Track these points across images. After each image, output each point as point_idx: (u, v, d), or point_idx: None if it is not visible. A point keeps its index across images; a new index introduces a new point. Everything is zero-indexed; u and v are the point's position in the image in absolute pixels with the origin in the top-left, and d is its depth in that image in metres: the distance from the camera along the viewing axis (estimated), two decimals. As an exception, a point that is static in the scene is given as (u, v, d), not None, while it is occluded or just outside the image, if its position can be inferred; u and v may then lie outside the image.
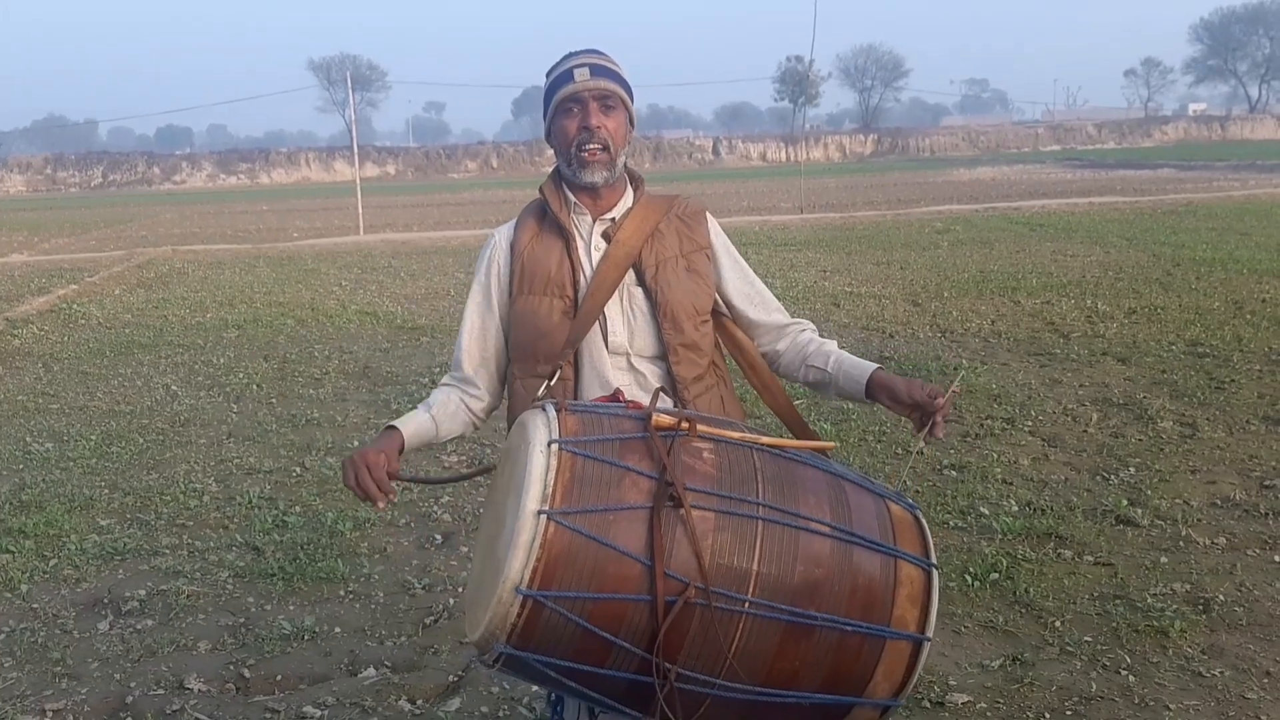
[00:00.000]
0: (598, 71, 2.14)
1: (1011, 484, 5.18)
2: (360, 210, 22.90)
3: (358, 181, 25.85)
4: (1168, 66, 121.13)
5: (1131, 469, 5.33)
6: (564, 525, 1.64)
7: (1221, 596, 3.88)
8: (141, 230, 26.05)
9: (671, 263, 2.19)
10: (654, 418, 1.77)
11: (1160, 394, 6.70)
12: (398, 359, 8.90)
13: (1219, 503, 4.85)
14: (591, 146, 2.13)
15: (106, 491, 5.57)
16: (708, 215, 2.30)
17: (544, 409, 1.80)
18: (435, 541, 4.74)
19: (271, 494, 5.44)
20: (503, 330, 2.25)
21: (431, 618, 3.98)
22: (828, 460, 1.91)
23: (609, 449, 1.73)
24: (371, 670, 3.61)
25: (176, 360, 9.16)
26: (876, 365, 2.19)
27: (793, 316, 2.34)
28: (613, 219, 2.21)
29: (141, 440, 6.57)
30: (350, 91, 34.34)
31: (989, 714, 3.22)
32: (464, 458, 5.84)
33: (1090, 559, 4.27)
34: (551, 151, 2.25)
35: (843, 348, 2.29)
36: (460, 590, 4.17)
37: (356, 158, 29.45)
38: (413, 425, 2.16)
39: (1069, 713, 3.20)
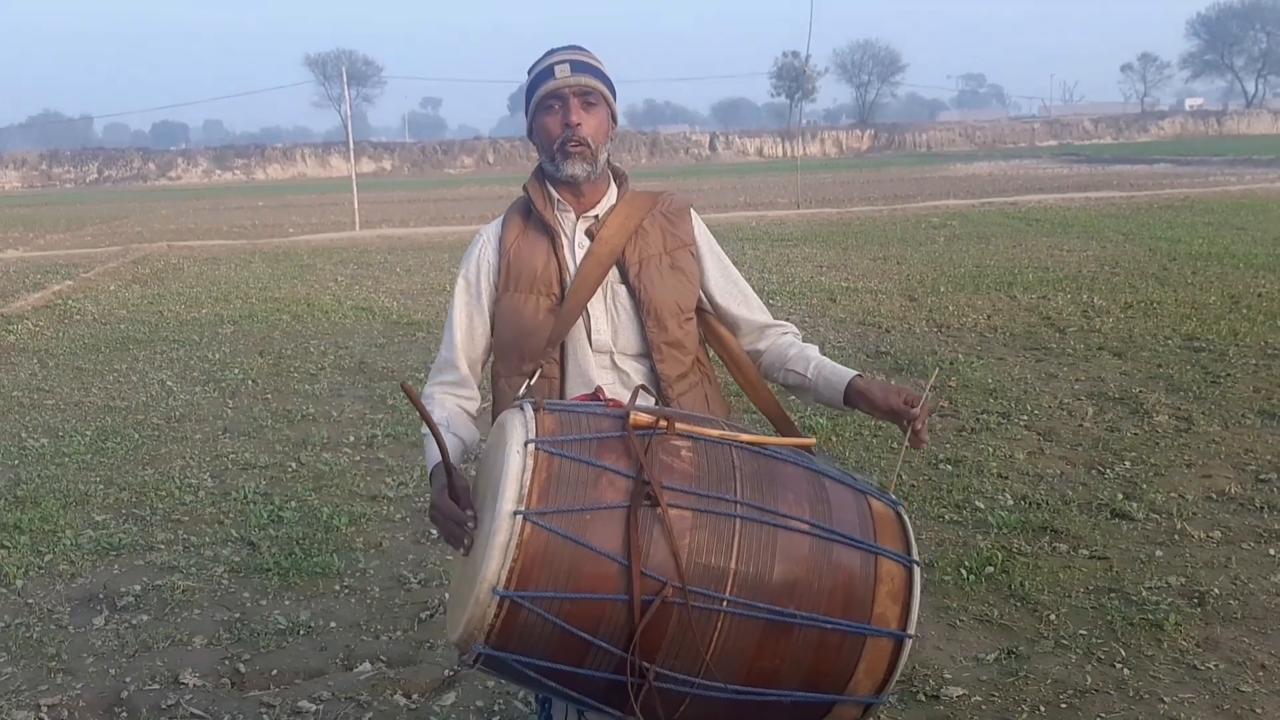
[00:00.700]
0: (579, 68, 2.14)
1: (1007, 478, 5.19)
2: (356, 206, 22.87)
3: (354, 177, 25.81)
4: (1164, 62, 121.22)
5: (1127, 463, 5.33)
6: (540, 526, 1.63)
7: (1216, 590, 3.88)
8: (137, 226, 26.01)
9: (655, 260, 2.18)
10: (632, 416, 1.76)
11: (1156, 388, 6.71)
12: (393, 354, 8.89)
13: (1214, 497, 4.85)
14: (574, 143, 2.12)
15: (101, 487, 5.56)
16: (692, 212, 2.30)
17: (522, 408, 1.79)
18: (431, 536, 4.74)
19: (267, 489, 5.44)
20: (489, 328, 2.24)
21: (427, 612, 3.98)
22: (809, 457, 1.90)
23: (586, 448, 1.72)
24: (367, 665, 3.60)
25: (172, 356, 9.14)
26: (856, 373, 2.18)
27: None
28: (596, 216, 2.20)
29: (137, 436, 6.56)
30: (346, 87, 34.26)
31: (984, 707, 3.22)
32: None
33: (1085, 553, 4.27)
34: None
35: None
36: (456, 585, 4.17)
37: (352, 153, 29.37)
38: (451, 455, 1.96)
39: (1064, 706, 3.21)
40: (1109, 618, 3.71)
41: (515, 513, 1.63)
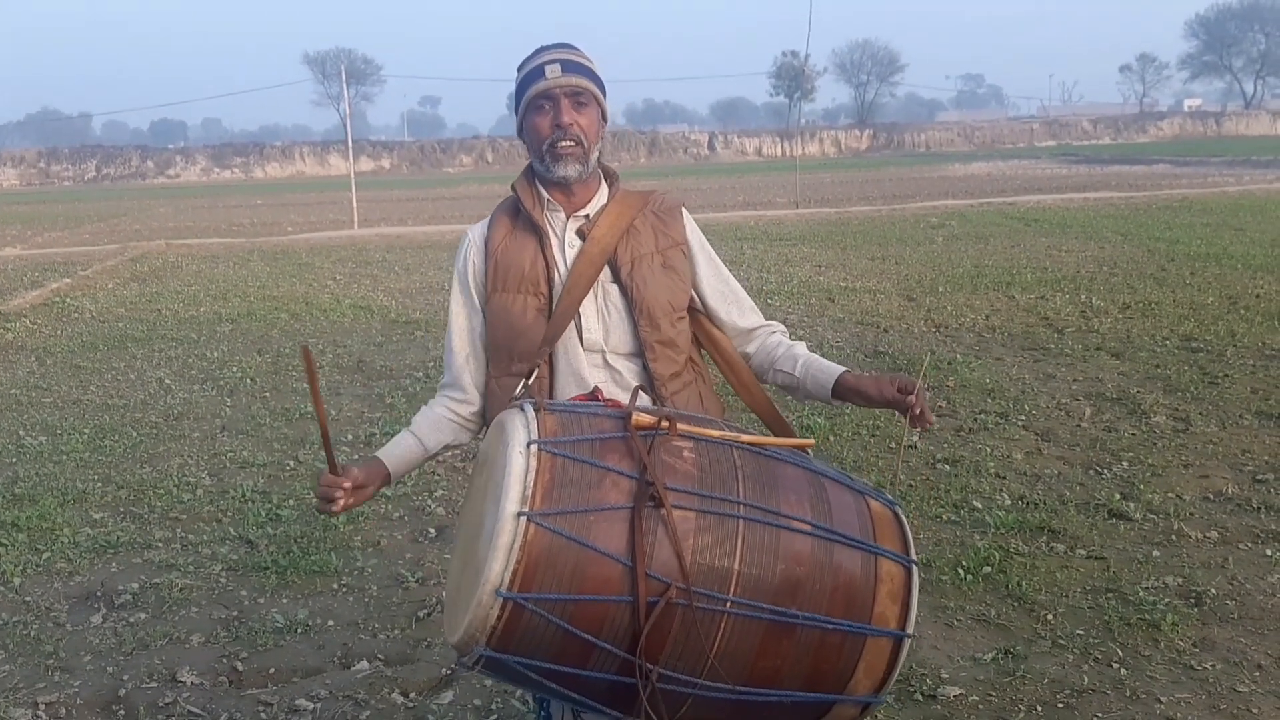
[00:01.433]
0: (569, 68, 2.13)
1: (1005, 478, 5.19)
2: (355, 204, 22.86)
3: (352, 175, 25.79)
4: (1163, 62, 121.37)
5: (1124, 463, 5.34)
6: (544, 527, 1.62)
7: (1213, 590, 3.89)
8: (135, 224, 25.98)
9: (647, 259, 2.17)
10: (634, 417, 1.76)
11: (1154, 389, 6.71)
12: (392, 353, 8.89)
13: (1211, 497, 4.86)
14: (565, 143, 2.11)
15: (100, 485, 5.56)
16: (683, 211, 2.29)
17: (522, 409, 1.78)
18: (429, 535, 4.74)
19: (265, 487, 5.44)
20: (483, 327, 2.24)
21: (425, 611, 3.98)
22: (808, 458, 1.90)
23: (589, 449, 1.72)
24: (364, 663, 3.61)
25: (170, 354, 9.14)
26: (844, 369, 2.19)
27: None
28: (587, 216, 2.19)
29: (135, 434, 6.56)
30: (345, 85, 34.25)
31: (981, 707, 3.22)
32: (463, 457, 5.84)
33: (1083, 553, 4.28)
34: None
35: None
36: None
37: (351, 152, 29.30)
38: (396, 449, 2.20)
39: (1060, 705, 3.21)
40: (1106, 617, 3.72)
41: (519, 514, 1.62)
